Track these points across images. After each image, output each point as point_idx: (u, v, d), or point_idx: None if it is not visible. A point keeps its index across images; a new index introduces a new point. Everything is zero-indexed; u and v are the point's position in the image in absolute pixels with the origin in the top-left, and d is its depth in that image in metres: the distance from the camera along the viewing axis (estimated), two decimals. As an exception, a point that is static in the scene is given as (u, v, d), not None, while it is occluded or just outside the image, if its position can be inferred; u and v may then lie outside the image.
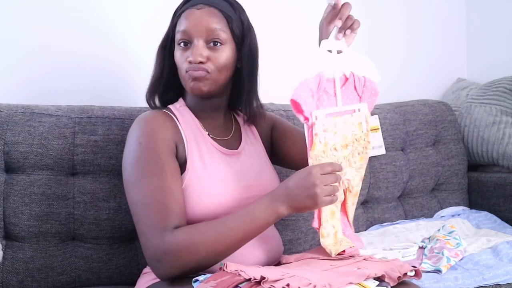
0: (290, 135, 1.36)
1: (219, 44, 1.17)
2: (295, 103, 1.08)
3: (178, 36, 1.18)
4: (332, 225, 1.13)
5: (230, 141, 1.26)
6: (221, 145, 1.22)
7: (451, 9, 2.42)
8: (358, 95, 1.18)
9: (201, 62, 1.15)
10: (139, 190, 1.08)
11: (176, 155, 1.15)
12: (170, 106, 1.25)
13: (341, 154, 1.13)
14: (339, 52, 1.16)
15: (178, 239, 1.03)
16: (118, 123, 1.44)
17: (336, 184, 1.07)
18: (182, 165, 1.15)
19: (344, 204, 1.18)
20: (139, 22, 1.69)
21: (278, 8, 1.97)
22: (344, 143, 1.14)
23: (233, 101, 1.31)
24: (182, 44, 1.18)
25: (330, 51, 1.14)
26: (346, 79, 1.16)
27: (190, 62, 1.16)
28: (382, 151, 1.23)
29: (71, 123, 1.40)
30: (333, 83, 1.14)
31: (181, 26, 1.18)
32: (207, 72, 1.16)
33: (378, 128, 1.28)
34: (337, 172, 1.08)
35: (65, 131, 1.39)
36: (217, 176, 1.15)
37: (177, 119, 1.20)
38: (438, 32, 2.37)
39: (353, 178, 1.17)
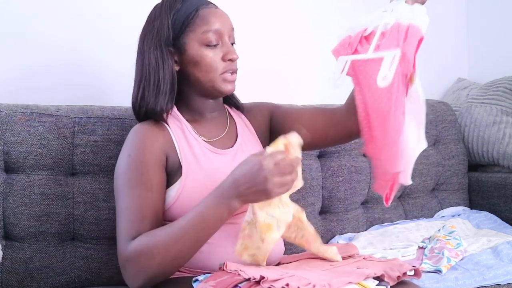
0: (293, 113, 1.32)
1: (234, 44, 1.22)
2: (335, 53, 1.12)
3: (208, 36, 1.15)
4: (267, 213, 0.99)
5: (225, 139, 1.24)
6: (215, 146, 1.21)
7: (452, 9, 2.42)
8: (398, 44, 1.06)
9: None
10: (122, 199, 1.10)
11: (167, 165, 1.15)
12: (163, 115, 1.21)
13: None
14: None
15: (135, 245, 1.03)
16: (118, 123, 1.43)
17: (291, 175, 0.97)
18: (176, 172, 1.15)
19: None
20: (140, 21, 1.69)
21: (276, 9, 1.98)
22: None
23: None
24: (212, 44, 1.17)
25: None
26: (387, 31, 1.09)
27: (231, 60, 1.17)
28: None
29: (70, 123, 1.40)
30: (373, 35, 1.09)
31: (211, 25, 1.16)
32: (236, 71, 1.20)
33: None
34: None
35: (65, 131, 1.39)
36: (213, 176, 1.14)
37: (169, 126, 1.19)
38: (439, 32, 2.36)
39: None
